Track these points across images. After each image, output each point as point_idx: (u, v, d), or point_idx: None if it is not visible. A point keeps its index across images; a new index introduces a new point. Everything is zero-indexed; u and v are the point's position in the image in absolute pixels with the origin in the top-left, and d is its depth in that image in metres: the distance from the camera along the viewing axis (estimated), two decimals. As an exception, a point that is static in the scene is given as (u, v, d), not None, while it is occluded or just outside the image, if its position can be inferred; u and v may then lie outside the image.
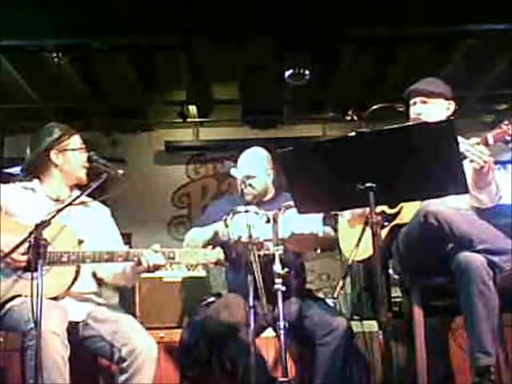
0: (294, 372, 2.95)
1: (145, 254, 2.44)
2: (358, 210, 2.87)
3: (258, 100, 5.95)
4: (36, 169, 2.68)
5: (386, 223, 2.78)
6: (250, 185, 3.10)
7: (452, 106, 2.86)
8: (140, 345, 2.40)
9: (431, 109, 2.81)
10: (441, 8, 4.09)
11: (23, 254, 2.34)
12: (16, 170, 2.74)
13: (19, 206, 2.58)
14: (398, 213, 2.77)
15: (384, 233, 2.76)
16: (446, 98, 2.85)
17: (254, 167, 3.15)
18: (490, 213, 2.69)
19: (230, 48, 4.72)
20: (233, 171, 2.78)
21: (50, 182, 2.67)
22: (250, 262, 2.52)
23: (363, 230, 2.80)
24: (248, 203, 3.09)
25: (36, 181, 2.68)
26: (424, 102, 2.82)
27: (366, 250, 2.71)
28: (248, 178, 3.10)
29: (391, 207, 2.78)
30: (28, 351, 2.21)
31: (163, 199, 6.63)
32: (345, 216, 3.00)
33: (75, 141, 2.70)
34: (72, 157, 2.67)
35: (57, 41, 4.47)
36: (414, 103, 2.85)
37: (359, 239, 2.80)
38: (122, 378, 2.40)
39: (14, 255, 2.32)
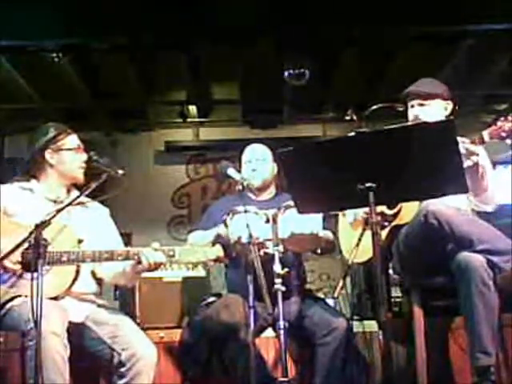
0: (293, 372, 2.94)
1: (145, 253, 2.44)
2: (361, 214, 2.86)
3: (257, 100, 5.95)
4: (32, 169, 2.67)
5: (385, 223, 2.78)
6: (259, 169, 3.14)
7: (450, 106, 2.86)
8: (140, 350, 2.40)
9: (429, 110, 2.81)
10: (441, 8, 4.09)
11: (15, 262, 2.35)
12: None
13: (18, 207, 2.57)
14: (398, 213, 2.76)
15: (384, 234, 2.76)
16: (444, 99, 2.85)
17: (264, 152, 3.22)
18: (490, 213, 2.69)
19: (230, 48, 4.72)
20: (230, 171, 2.76)
21: (47, 182, 2.66)
22: (250, 262, 2.52)
23: (363, 231, 2.80)
24: (252, 191, 3.14)
25: (34, 181, 2.67)
26: (421, 105, 2.83)
27: (366, 251, 2.71)
28: (258, 160, 3.16)
29: (390, 207, 2.78)
30: (28, 351, 2.20)
31: (163, 199, 6.62)
32: (347, 219, 2.99)
33: (71, 140, 2.68)
34: (67, 157, 2.65)
35: (57, 41, 4.46)
36: (412, 106, 2.86)
37: (359, 239, 2.80)
38: (121, 382, 2.39)
39: (8, 263, 2.33)
